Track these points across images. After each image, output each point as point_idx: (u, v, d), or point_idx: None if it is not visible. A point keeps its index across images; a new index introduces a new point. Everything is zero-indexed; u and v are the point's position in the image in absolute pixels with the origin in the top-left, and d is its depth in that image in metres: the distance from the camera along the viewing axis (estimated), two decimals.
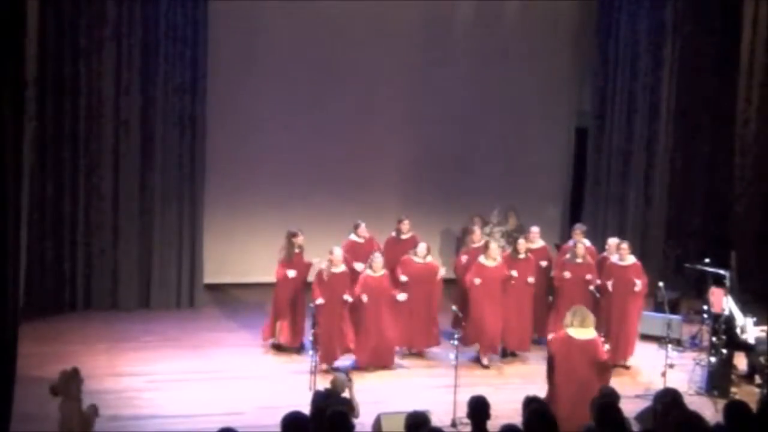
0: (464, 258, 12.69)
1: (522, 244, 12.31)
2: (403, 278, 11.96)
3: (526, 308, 12.24)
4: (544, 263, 12.66)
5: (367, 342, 11.58)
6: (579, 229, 13.05)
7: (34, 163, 12.68)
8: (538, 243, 12.89)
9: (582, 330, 9.46)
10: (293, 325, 12.03)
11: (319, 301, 11.35)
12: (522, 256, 12.22)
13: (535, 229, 12.98)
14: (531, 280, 12.13)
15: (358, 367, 11.49)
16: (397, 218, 13.19)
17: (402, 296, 11.76)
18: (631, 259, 12.16)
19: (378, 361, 11.65)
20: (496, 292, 11.88)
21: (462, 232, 13.67)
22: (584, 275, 12.10)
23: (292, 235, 12.07)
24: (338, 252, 11.70)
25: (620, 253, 12.16)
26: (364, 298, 11.49)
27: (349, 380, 8.62)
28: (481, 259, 11.95)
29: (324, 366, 11.13)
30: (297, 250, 12.10)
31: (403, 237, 12.94)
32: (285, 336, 12.05)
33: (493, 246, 12.09)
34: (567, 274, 12.13)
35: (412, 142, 15.23)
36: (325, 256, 11.70)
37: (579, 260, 12.22)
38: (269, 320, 12.21)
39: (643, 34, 15.01)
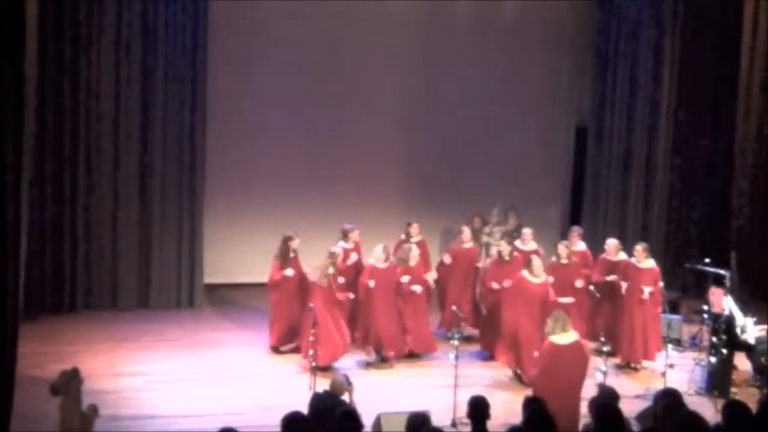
0: (447, 258, 12.84)
1: (505, 247, 12.29)
2: (405, 278, 11.90)
3: None
4: None
5: (375, 331, 11.63)
6: (576, 231, 13.04)
7: (33, 163, 12.66)
8: (531, 245, 12.85)
9: (564, 335, 9.44)
10: (288, 327, 11.99)
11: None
12: (508, 258, 12.17)
13: (527, 231, 12.95)
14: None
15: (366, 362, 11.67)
16: (406, 221, 13.23)
17: (406, 278, 11.78)
18: (648, 263, 12.06)
19: (388, 348, 11.75)
20: (537, 311, 11.04)
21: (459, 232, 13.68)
22: (568, 276, 12.02)
23: (288, 239, 12.01)
24: (340, 252, 11.69)
25: (636, 255, 12.12)
26: (371, 283, 11.53)
27: (349, 384, 8.60)
28: (525, 273, 11.32)
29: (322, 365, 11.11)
30: (292, 254, 12.06)
31: (413, 240, 12.93)
32: (274, 338, 12.03)
33: (537, 262, 11.29)
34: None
35: (411, 143, 15.24)
36: (324, 258, 11.66)
37: (564, 261, 12.19)
38: (273, 324, 12.12)
39: (643, 34, 15.02)
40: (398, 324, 11.81)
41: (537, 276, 11.25)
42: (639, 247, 12.17)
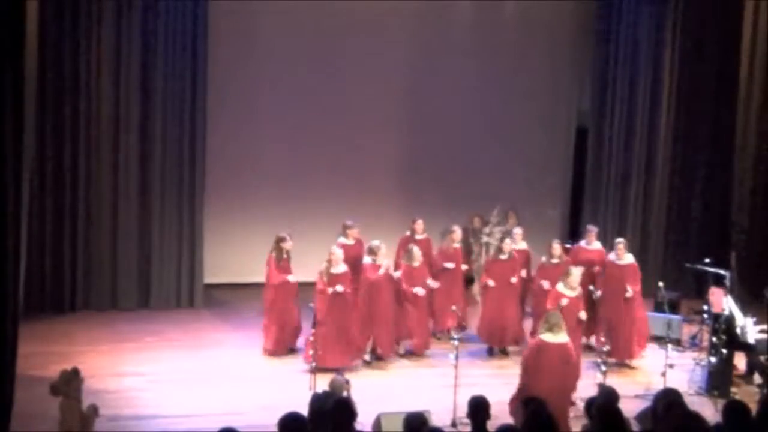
0: (449, 264, 12.78)
1: (507, 244, 12.31)
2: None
3: (515, 306, 12.32)
4: (524, 272, 12.65)
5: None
6: (593, 231, 12.87)
7: (33, 163, 12.67)
8: (521, 245, 12.87)
9: (553, 335, 9.43)
10: (282, 331, 11.96)
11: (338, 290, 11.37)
12: (504, 257, 12.23)
13: (518, 231, 13.01)
14: (513, 280, 12.22)
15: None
16: (411, 218, 13.19)
17: (394, 273, 11.93)
18: (628, 259, 12.11)
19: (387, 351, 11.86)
20: (572, 323, 10.46)
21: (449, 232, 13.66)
22: (557, 276, 11.79)
23: (280, 240, 11.96)
24: (338, 252, 11.64)
25: (617, 251, 12.13)
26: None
27: (347, 383, 8.63)
28: (560, 287, 10.96)
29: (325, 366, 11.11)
30: (285, 255, 12.02)
31: (417, 237, 12.91)
32: (271, 342, 11.95)
33: (575, 272, 10.95)
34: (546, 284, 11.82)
35: (411, 142, 15.25)
36: (324, 257, 11.65)
37: (555, 261, 12.13)
38: (269, 327, 12.04)
39: (643, 34, 15.02)
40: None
41: (573, 289, 11.00)
42: (620, 244, 12.18)
